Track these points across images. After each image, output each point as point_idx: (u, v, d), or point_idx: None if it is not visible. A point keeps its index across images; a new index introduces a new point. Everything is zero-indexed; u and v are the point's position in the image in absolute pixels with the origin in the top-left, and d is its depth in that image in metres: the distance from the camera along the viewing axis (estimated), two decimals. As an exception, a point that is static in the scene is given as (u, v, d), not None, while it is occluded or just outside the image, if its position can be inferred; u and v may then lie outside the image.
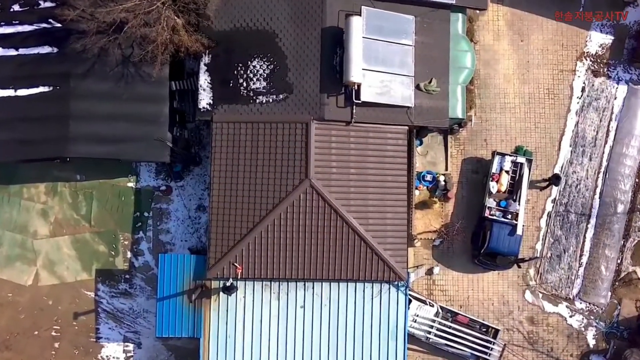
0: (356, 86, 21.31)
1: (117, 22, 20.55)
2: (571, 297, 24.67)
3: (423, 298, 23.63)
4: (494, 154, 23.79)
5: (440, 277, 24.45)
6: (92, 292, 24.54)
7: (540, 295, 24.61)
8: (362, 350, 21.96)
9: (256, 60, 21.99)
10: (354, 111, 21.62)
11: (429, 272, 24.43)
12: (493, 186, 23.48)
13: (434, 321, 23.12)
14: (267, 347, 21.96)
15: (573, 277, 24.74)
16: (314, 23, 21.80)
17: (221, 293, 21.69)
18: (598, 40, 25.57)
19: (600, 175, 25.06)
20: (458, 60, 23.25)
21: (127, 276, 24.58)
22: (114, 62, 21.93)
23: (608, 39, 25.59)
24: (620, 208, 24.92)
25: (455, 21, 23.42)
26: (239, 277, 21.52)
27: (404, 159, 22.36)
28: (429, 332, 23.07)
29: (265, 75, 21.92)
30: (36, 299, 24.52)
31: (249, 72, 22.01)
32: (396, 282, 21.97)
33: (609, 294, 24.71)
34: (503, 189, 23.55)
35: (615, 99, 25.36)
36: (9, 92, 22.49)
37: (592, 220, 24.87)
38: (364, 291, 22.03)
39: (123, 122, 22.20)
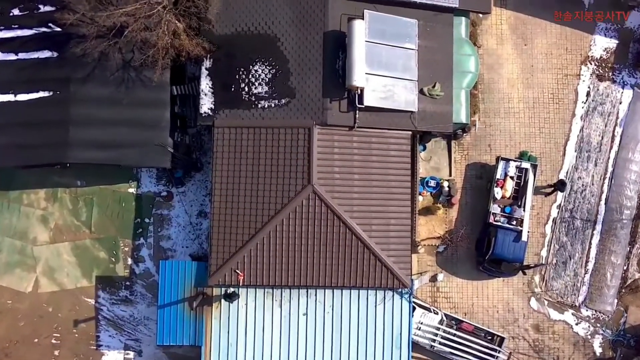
0: (359, 91, 21.14)
1: (118, 26, 20.41)
2: (577, 304, 24.41)
3: (427, 305, 23.39)
4: (498, 159, 23.59)
5: (445, 284, 24.21)
6: (93, 299, 24.35)
7: (546, 302, 24.34)
8: (366, 358, 21.70)
9: (258, 64, 21.85)
10: (357, 116, 21.45)
11: (433, 278, 24.21)
12: (497, 192, 23.27)
13: (438, 329, 22.88)
14: (270, 355, 21.72)
15: (579, 284, 24.48)
16: (316, 27, 21.65)
17: (223, 300, 21.50)
18: (602, 44, 25.38)
19: (606, 181, 24.82)
20: (462, 65, 23.08)
21: (127, 283, 24.38)
22: (114, 66, 21.76)
23: (612, 43, 25.40)
24: (626, 214, 24.66)
25: (458, 25, 23.27)
26: (240, 284, 21.32)
27: (408, 164, 22.18)
28: (434, 340, 22.82)
29: (267, 79, 21.76)
30: (36, 306, 24.32)
31: (250, 76, 21.86)
32: (400, 290, 21.74)
33: (616, 301, 24.44)
34: (508, 194, 23.33)
35: (620, 103, 25.15)
36: (9, 97, 22.30)
37: (598, 227, 24.62)
38: (367, 298, 21.80)
39: (123, 127, 22.01)
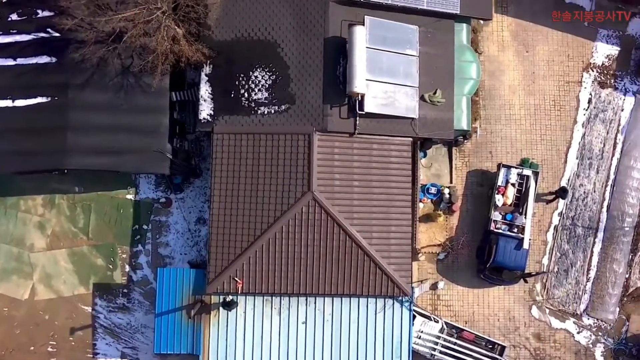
0: (360, 97, 21.03)
1: (117, 31, 20.33)
2: (579, 312, 24.23)
3: (428, 314, 23.18)
4: (499, 166, 23.46)
5: (445, 292, 24.04)
6: (90, 306, 24.13)
7: (547, 310, 24.17)
8: (366, 367, 21.48)
9: (258, 70, 21.74)
10: (358, 122, 21.33)
11: (434, 286, 24.04)
12: (499, 199, 23.14)
13: (438, 337, 22.66)
14: (268, 364, 21.51)
15: (580, 293, 24.31)
16: (316, 33, 21.55)
17: (221, 308, 21.30)
18: (604, 51, 25.29)
19: (608, 188, 24.68)
20: (463, 71, 22.99)
21: (125, 290, 24.18)
22: (113, 72, 21.67)
23: (614, 50, 25.31)
24: (629, 222, 24.50)
25: (459, 31, 23.20)
26: (239, 291, 21.15)
27: (409, 171, 22.05)
28: (434, 349, 22.60)
29: (267, 85, 21.64)
30: (32, 313, 24.10)
31: (250, 82, 21.74)
32: (400, 298, 21.57)
33: (617, 309, 24.27)
34: (509, 202, 23.19)
35: (622, 110, 25.05)
36: (7, 103, 22.17)
37: (600, 234, 24.47)
38: (367, 306, 21.62)
39: (122, 134, 21.89)
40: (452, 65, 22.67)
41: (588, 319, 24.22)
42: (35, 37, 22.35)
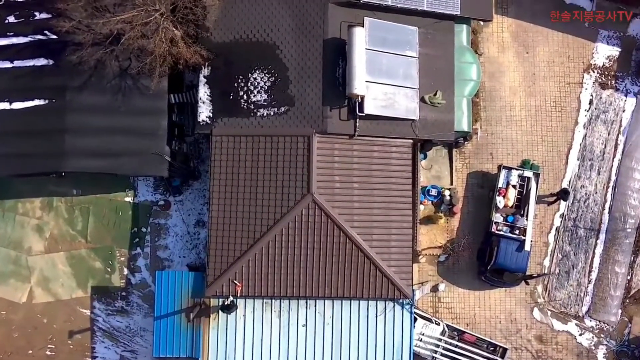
0: (359, 99, 20.90)
1: (114, 33, 20.20)
2: (580, 314, 24.11)
3: (429, 316, 23.06)
4: (500, 167, 23.33)
5: (446, 294, 23.91)
6: (88, 309, 24.00)
7: (549, 312, 24.04)
8: (366, 370, 21.36)
9: (257, 72, 21.62)
10: (357, 124, 21.20)
11: (435, 289, 23.92)
12: (500, 201, 23.02)
13: (440, 340, 22.56)
14: (268, 368, 21.39)
15: (582, 294, 24.18)
16: (315, 34, 21.43)
17: (220, 311, 21.15)
18: (605, 52, 25.16)
19: (609, 189, 24.56)
20: (463, 72, 22.87)
21: (123, 293, 24.04)
22: (111, 74, 21.54)
23: (615, 51, 25.18)
24: (630, 223, 24.37)
25: (459, 32, 23.07)
26: (238, 294, 21.00)
27: (409, 173, 21.93)
28: (435, 352, 22.48)
29: (266, 87, 21.52)
30: (30, 316, 23.97)
31: (249, 84, 21.62)
32: (401, 300, 21.45)
33: (620, 311, 24.14)
34: (510, 203, 23.07)
35: (623, 111, 24.92)
36: (4, 105, 22.02)
37: (602, 236, 24.33)
38: (367, 309, 21.50)
39: (120, 136, 21.77)
40: (452, 67, 22.55)
41: (590, 320, 24.10)
42: (32, 39, 22.21)
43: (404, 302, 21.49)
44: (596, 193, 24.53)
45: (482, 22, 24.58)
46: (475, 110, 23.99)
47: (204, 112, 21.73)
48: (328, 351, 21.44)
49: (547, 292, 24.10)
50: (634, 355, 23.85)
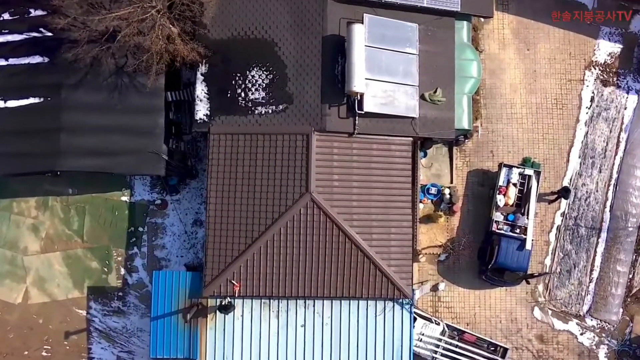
0: (359, 96, 20.71)
1: (110, 30, 19.94)
2: (582, 314, 23.95)
3: (428, 316, 22.91)
4: (500, 165, 23.15)
5: (446, 294, 23.74)
6: (84, 310, 23.82)
7: (550, 312, 23.89)
8: (366, 371, 21.20)
9: (255, 69, 21.41)
10: (357, 122, 21.01)
11: (434, 288, 23.75)
12: (500, 199, 22.84)
13: (440, 340, 22.40)
14: (267, 369, 21.23)
15: (583, 293, 24.02)
16: (314, 31, 21.22)
17: (218, 312, 20.97)
18: (606, 48, 24.96)
19: (611, 187, 24.39)
20: (464, 70, 22.67)
21: (120, 293, 23.85)
22: (107, 72, 21.33)
23: (617, 48, 24.99)
24: (632, 221, 24.18)
25: (460, 29, 22.87)
26: (236, 295, 20.85)
27: (409, 171, 21.76)
28: (435, 352, 22.33)
29: (264, 85, 21.32)
30: (26, 317, 23.78)
31: (247, 82, 21.42)
32: (401, 300, 21.28)
33: (621, 310, 23.98)
34: (511, 202, 22.90)
35: (625, 109, 24.74)
36: (-1, 103, 21.89)
37: (603, 235, 24.15)
38: (367, 309, 21.33)
39: (116, 135, 21.56)
40: (453, 64, 22.35)
41: (591, 320, 23.94)
42: (27, 36, 22.01)
43: (404, 302, 21.33)
44: (597, 191, 24.36)
45: (482, 19, 24.38)
46: (475, 107, 23.81)
47: (201, 110, 21.54)
48: (327, 352, 21.29)
49: (548, 291, 23.96)
50: (636, 354, 23.69)
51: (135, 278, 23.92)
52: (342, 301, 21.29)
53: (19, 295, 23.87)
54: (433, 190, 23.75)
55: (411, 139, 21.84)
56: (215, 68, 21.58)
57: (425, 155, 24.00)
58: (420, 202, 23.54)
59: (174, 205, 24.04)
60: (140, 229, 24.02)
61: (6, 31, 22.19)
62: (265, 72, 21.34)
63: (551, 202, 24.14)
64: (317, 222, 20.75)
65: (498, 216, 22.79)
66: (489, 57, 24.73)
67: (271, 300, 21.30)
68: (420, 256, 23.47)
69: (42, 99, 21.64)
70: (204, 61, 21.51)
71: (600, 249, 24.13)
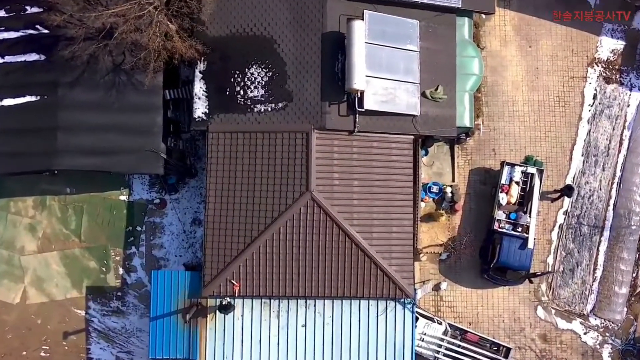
0: (359, 94, 20.53)
1: (107, 27, 19.76)
2: (585, 313, 23.77)
3: (430, 315, 22.73)
4: (502, 164, 22.97)
5: (448, 293, 23.57)
6: (83, 310, 23.66)
7: (553, 311, 23.70)
8: (367, 372, 21.04)
9: (254, 67, 21.22)
10: (357, 120, 20.82)
11: (436, 287, 23.59)
12: (502, 198, 22.64)
13: (442, 340, 22.18)
14: (267, 369, 21.08)
15: (587, 292, 23.83)
16: (314, 28, 21.02)
17: (217, 312, 20.81)
18: (609, 45, 24.77)
19: (614, 186, 24.18)
20: (465, 67, 22.49)
21: (119, 293, 23.69)
22: (104, 69, 21.15)
23: (619, 45, 24.79)
24: (635, 220, 23.96)
25: (461, 26, 22.69)
26: (236, 294, 20.69)
27: (410, 169, 21.59)
28: (438, 352, 22.12)
29: (263, 82, 21.13)
30: (24, 317, 23.63)
31: (246, 79, 21.23)
32: (402, 299, 21.10)
33: (625, 309, 23.78)
34: (513, 200, 22.70)
35: (628, 106, 24.53)
36: (-5, 102, 21.72)
37: (606, 233, 23.96)
38: (368, 309, 21.16)
39: (114, 133, 21.38)
40: (454, 61, 22.17)
41: (595, 319, 23.76)
42: (23, 34, 21.81)
43: (406, 302, 21.16)
44: (600, 189, 24.16)
45: (484, 16, 24.17)
46: (477, 105, 23.62)
47: (200, 108, 21.36)
48: (328, 352, 21.12)
49: (551, 290, 23.78)
50: (640, 354, 23.60)
51: (134, 278, 23.77)
52: (343, 301, 21.12)
53: (17, 295, 23.72)
54: (434, 189, 23.57)
55: (412, 137, 21.68)
56: (214, 65, 21.40)
57: (426, 153, 23.82)
58: (422, 200, 23.35)
59: (173, 204, 23.87)
60: (139, 228, 23.86)
61: (2, 28, 22.00)
62: (264, 70, 21.16)
63: (554, 200, 23.96)
64: (317, 221, 20.58)
65: (500, 215, 22.60)
66: (491, 55, 24.54)
67: (271, 300, 21.14)
68: (422, 255, 23.31)
69: (38, 97, 21.46)
70: (202, 58, 21.36)
71: (603, 247, 23.94)
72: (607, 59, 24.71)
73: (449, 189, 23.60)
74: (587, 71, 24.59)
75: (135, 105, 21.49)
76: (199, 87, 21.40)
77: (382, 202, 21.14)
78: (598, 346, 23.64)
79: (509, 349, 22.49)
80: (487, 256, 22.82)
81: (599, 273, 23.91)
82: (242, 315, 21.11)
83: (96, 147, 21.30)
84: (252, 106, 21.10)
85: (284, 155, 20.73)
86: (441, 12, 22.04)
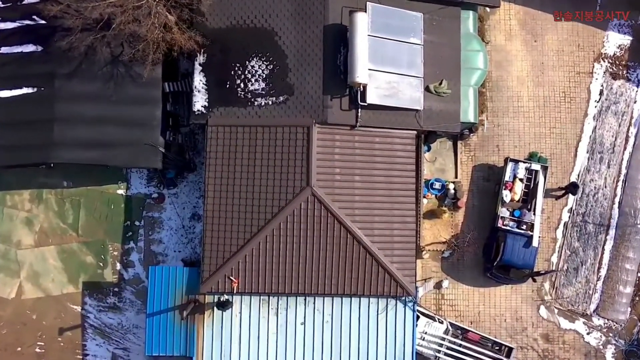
0: (361, 87, 20.28)
1: (105, 18, 19.45)
2: (589, 313, 23.51)
3: (432, 314, 22.51)
4: (506, 160, 22.70)
5: (450, 291, 23.33)
6: (79, 305, 23.42)
7: (556, 310, 23.45)
8: (367, 371, 20.83)
9: (254, 59, 20.95)
10: (359, 114, 20.57)
11: (438, 285, 23.34)
12: (506, 195, 22.38)
13: (443, 339, 21.95)
14: (265, 367, 20.88)
15: (591, 292, 23.57)
16: (315, 20, 20.75)
17: (215, 309, 20.62)
18: (616, 40, 24.50)
19: (620, 183, 23.91)
20: (470, 61, 22.23)
21: (116, 289, 23.44)
22: (102, 61, 20.91)
23: (626, 40, 24.53)
24: (641, 218, 23.77)
25: (466, 19, 22.47)
26: (234, 291, 20.47)
27: (412, 165, 21.34)
28: (439, 351, 21.88)
29: (264, 75, 20.87)
30: (19, 313, 23.39)
31: (246, 72, 20.96)
32: (403, 297, 20.86)
33: (629, 309, 23.54)
34: (517, 197, 22.44)
35: (635, 102, 24.27)
36: (-9, 94, 21.50)
37: (611, 232, 23.69)
38: (368, 307, 20.92)
39: (112, 126, 21.15)
40: (459, 55, 21.90)
41: (598, 319, 23.51)
42: (20, 24, 21.59)
43: (407, 300, 20.94)
44: (606, 187, 23.88)
45: (488, 9, 23.96)
46: (481, 100, 23.33)
47: (200, 101, 21.10)
48: (327, 350, 20.89)
49: (555, 289, 23.54)
50: (644, 354, 23.35)
51: (131, 273, 23.52)
52: (343, 298, 20.89)
53: (13, 290, 23.48)
54: (437, 185, 23.34)
55: (415, 132, 21.43)
56: (214, 58, 21.15)
57: (429, 149, 23.58)
58: (424, 197, 23.12)
59: (172, 199, 23.62)
60: (137, 223, 23.61)
61: (-1, 19, 21.84)
62: (265, 63, 20.90)
63: (558, 198, 23.70)
64: (318, 217, 20.36)
65: (504, 212, 22.35)
66: (495, 49, 24.26)
67: (270, 297, 20.91)
68: (424, 253, 23.11)
69: (35, 89, 21.25)
70: (202, 51, 21.12)
71: (609, 246, 23.69)
72: (614, 54, 24.45)
73: (451, 186, 23.37)
74: (593, 67, 24.34)
75: (134, 98, 21.26)
76: (198, 80, 21.14)
77: (384, 198, 20.90)
78: (601, 347, 23.42)
79: (510, 349, 22.29)
80: (490, 254, 22.57)
81: (603, 272, 23.67)
82: (241, 313, 20.90)
83: (93, 140, 21.08)
84: (252, 99, 20.85)
85: (284, 149, 20.50)
86: (445, 5, 21.81)
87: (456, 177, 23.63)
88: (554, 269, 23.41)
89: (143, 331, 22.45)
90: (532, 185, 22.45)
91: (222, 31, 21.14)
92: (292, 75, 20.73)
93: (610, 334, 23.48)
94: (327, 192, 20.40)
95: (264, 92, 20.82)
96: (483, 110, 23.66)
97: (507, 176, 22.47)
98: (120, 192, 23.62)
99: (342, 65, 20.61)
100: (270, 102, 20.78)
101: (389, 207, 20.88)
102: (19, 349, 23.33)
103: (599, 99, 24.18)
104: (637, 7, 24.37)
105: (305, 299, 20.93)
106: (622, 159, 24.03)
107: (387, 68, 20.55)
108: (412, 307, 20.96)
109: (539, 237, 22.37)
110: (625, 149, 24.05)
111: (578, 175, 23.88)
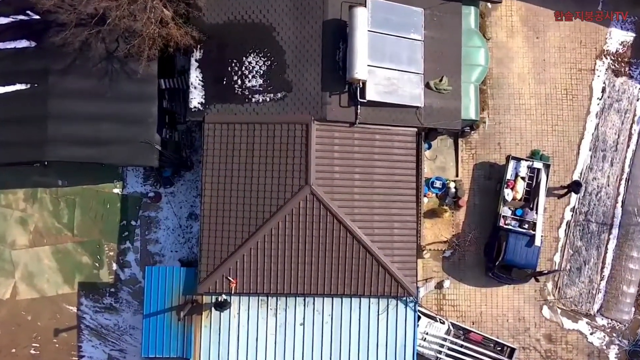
0: (361, 84, 20.02)
1: (100, 13, 19.16)
2: (592, 313, 23.28)
3: (433, 314, 22.31)
4: (508, 158, 22.47)
5: (451, 291, 23.10)
6: (75, 306, 23.20)
7: (559, 310, 23.22)
8: (367, 372, 20.61)
9: (252, 55, 20.70)
10: (359, 111, 20.31)
11: (439, 285, 23.11)
12: (508, 193, 22.16)
13: (445, 339, 21.76)
14: (263, 369, 20.66)
15: (594, 292, 23.31)
16: (314, 15, 20.50)
17: (213, 309, 20.36)
18: (619, 37, 24.28)
19: (623, 182, 23.66)
20: (471, 57, 21.97)
21: (112, 290, 23.20)
22: (96, 57, 20.58)
23: (629, 37, 24.31)
24: (645, 217, 23.51)
25: (467, 15, 22.22)
26: (232, 291, 20.26)
27: (413, 163, 21.11)
28: (440, 352, 21.70)
29: (261, 72, 20.62)
30: (14, 313, 23.17)
31: (244, 68, 20.71)
32: (404, 298, 20.62)
33: (633, 309, 23.30)
34: (519, 196, 22.23)
35: (637, 100, 24.03)
36: (-16, 91, 21.23)
37: (615, 231, 23.45)
38: (369, 307, 20.69)
39: (107, 123, 20.88)
40: (460, 51, 21.63)
41: (602, 319, 23.29)
42: (13, 19, 21.30)
43: (408, 300, 20.70)
44: (609, 185, 23.64)
45: (490, 5, 23.75)
46: (482, 98, 23.13)
47: (196, 98, 20.86)
48: (326, 351, 20.66)
49: (557, 289, 23.30)
50: (648, 355, 23.10)
51: (127, 274, 23.29)
52: (343, 299, 20.67)
53: (7, 291, 23.23)
54: (438, 184, 23.14)
55: (415, 129, 21.16)
56: (211, 54, 20.92)
57: (429, 147, 23.35)
58: (425, 196, 22.90)
59: (168, 198, 23.38)
60: (133, 222, 23.37)
61: (-8, 15, 21.56)
62: (262, 59, 20.66)
63: (561, 196, 23.47)
64: (317, 215, 20.13)
65: (506, 211, 22.14)
66: (497, 46, 24.03)
67: (269, 298, 20.68)
68: (425, 252, 22.90)
69: (28, 86, 21.00)
70: (198, 46, 20.89)
71: (612, 245, 23.45)
72: (617, 51, 24.23)
73: (452, 184, 23.16)
74: (595, 63, 24.12)
75: (129, 95, 21.00)
76: (195, 77, 20.89)
77: (384, 197, 20.67)
78: (605, 347, 23.21)
79: (513, 349, 22.13)
80: (492, 254, 22.36)
81: (606, 272, 23.43)
82: (239, 313, 20.68)
83: (88, 137, 20.84)
84: (250, 96, 20.60)
85: (282, 147, 20.26)
86: (446, 0, 21.55)
87: (457, 176, 23.40)
88: (556, 268, 23.18)
89: (140, 332, 22.23)
90: (534, 184, 22.24)
91: (219, 26, 20.90)
92: (291, 71, 20.48)
93: (614, 334, 23.27)
94: (326, 190, 20.16)
95: (261, 89, 20.57)
96: (484, 107, 23.41)
97: (509, 174, 22.27)
98: (116, 191, 23.40)
99: (341, 61, 20.35)
100: (268, 99, 20.52)
101: (389, 206, 20.65)
102: (14, 350, 23.10)
103: (602, 96, 23.95)
104: (638, 7, 24.23)
105: (304, 299, 20.70)
106: (625, 157, 23.79)
107: (386, 64, 20.30)
108: (413, 308, 20.74)
109: (542, 236, 22.15)
110: (628, 146, 23.82)
111: (581, 174, 23.63)
